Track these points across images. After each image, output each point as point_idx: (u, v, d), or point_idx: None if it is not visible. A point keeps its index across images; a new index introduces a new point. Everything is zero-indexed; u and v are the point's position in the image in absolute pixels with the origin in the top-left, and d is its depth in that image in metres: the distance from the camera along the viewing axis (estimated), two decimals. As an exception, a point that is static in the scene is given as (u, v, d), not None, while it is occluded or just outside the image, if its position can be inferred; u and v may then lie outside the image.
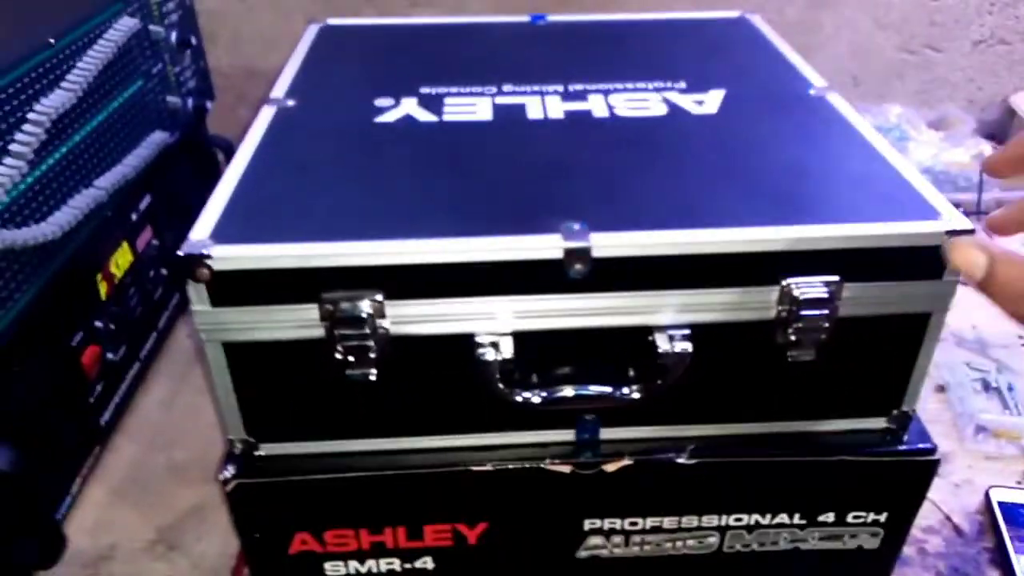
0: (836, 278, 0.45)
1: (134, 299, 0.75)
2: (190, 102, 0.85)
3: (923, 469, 0.52)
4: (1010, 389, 0.75)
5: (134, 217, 0.76)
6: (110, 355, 0.71)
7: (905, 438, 0.52)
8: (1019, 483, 0.68)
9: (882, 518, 0.53)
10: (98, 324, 0.69)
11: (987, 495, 0.65)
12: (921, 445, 0.51)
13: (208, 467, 0.69)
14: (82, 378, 0.67)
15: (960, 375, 0.76)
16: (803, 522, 0.53)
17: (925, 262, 0.45)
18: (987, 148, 1.04)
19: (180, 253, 0.43)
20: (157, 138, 0.77)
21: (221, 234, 0.44)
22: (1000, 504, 0.64)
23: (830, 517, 0.53)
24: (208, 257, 0.43)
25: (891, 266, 0.46)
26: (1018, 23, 1.03)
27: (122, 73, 0.72)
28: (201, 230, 0.45)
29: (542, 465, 0.50)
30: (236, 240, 0.44)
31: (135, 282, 0.75)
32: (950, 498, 0.66)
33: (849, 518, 0.53)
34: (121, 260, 0.73)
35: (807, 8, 1.02)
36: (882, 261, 0.45)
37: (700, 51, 0.72)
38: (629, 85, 0.63)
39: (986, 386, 0.76)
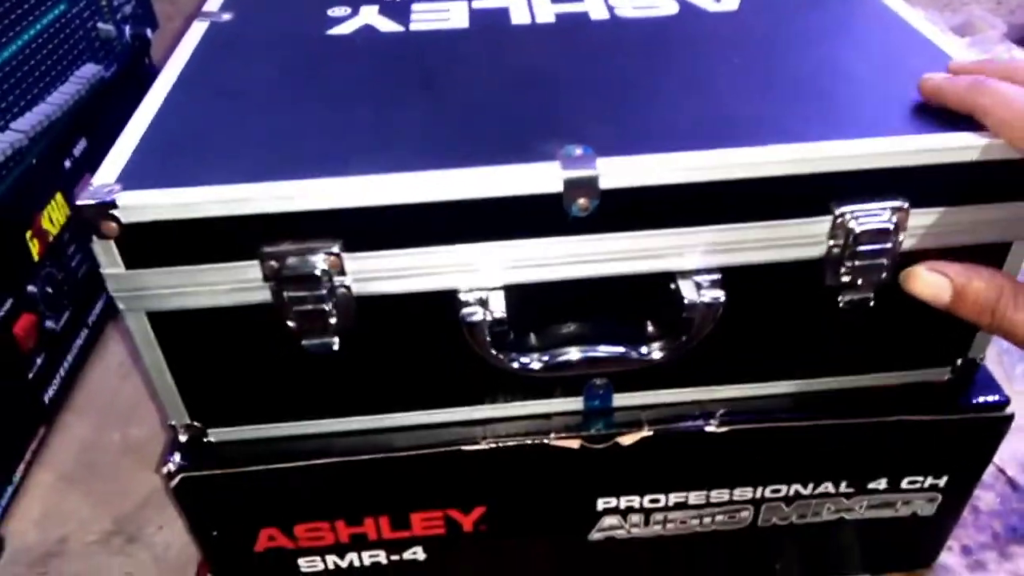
0: (903, 203, 0.36)
1: (75, 258, 0.66)
2: (127, 30, 0.75)
3: (992, 426, 0.44)
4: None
5: (68, 164, 0.66)
6: (49, 323, 0.62)
7: (971, 391, 0.44)
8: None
9: (941, 482, 0.46)
10: (31, 289, 0.60)
11: (1046, 443, 0.58)
12: (990, 398, 0.44)
13: (169, 444, 0.62)
14: (16, 351, 0.58)
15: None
16: (851, 490, 0.46)
17: (1010, 180, 0.37)
18: (1020, 55, 0.94)
19: (79, 202, 0.34)
20: (88, 72, 0.67)
21: (132, 176, 0.35)
22: (1062, 453, 0.57)
23: (882, 484, 0.46)
24: (114, 206, 0.34)
25: (969, 186, 0.37)
26: (1057, -91, 0.92)
27: (39, -6, 0.62)
28: (107, 172, 0.35)
29: (546, 441, 0.42)
30: (151, 183, 0.35)
31: (75, 238, 0.66)
32: (1001, 446, 0.59)
33: (904, 483, 0.46)
34: (55, 214, 0.64)
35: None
36: (958, 180, 0.37)
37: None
38: (631, -18, 0.53)
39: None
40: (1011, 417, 0.44)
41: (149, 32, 0.79)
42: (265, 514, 0.44)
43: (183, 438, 0.42)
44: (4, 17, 0.57)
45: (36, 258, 0.61)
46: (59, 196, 0.65)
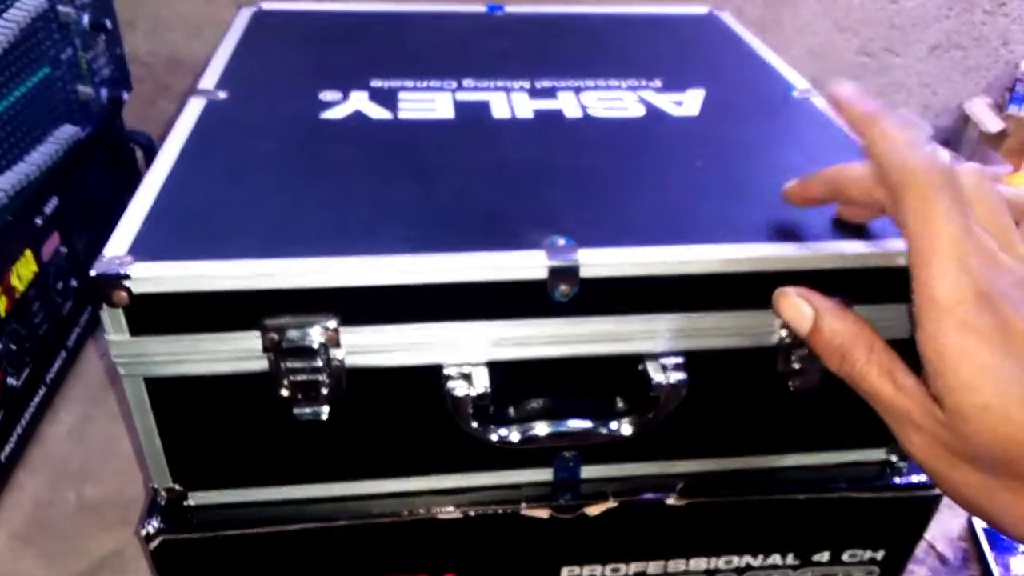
0: (843, 300, 0.41)
1: (39, 315, 0.67)
2: (104, 93, 0.76)
3: (924, 503, 0.48)
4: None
5: (39, 222, 0.67)
6: (11, 380, 0.62)
7: (905, 470, 0.48)
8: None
9: (879, 555, 0.50)
10: (-4, 345, 0.60)
11: (969, 521, 0.62)
12: (922, 478, 0.48)
13: (127, 505, 0.61)
14: (-24, 408, 0.58)
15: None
16: (797, 562, 0.49)
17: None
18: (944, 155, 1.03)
19: (92, 273, 0.35)
20: (66, 133, 0.69)
21: (141, 249, 0.37)
22: (985, 530, 0.61)
23: (825, 556, 0.49)
24: (126, 277, 0.35)
25: (902, 287, 0.41)
26: (973, 28, 1.02)
27: (26, 58, 0.63)
28: (117, 245, 0.37)
29: (517, 510, 0.44)
30: (160, 256, 0.37)
31: (40, 295, 0.66)
32: (931, 524, 0.63)
33: (845, 556, 0.49)
34: (23, 271, 0.64)
35: (767, 7, 0.99)
36: (893, 282, 0.41)
37: (672, 48, 0.67)
38: (600, 83, 0.58)
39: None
40: (940, 496, 0.48)
41: (125, 94, 0.81)
42: (239, 578, 0.44)
43: (163, 500, 0.43)
44: (-7, 79, 0.58)
45: (2, 314, 0.61)
46: (28, 253, 0.65)
